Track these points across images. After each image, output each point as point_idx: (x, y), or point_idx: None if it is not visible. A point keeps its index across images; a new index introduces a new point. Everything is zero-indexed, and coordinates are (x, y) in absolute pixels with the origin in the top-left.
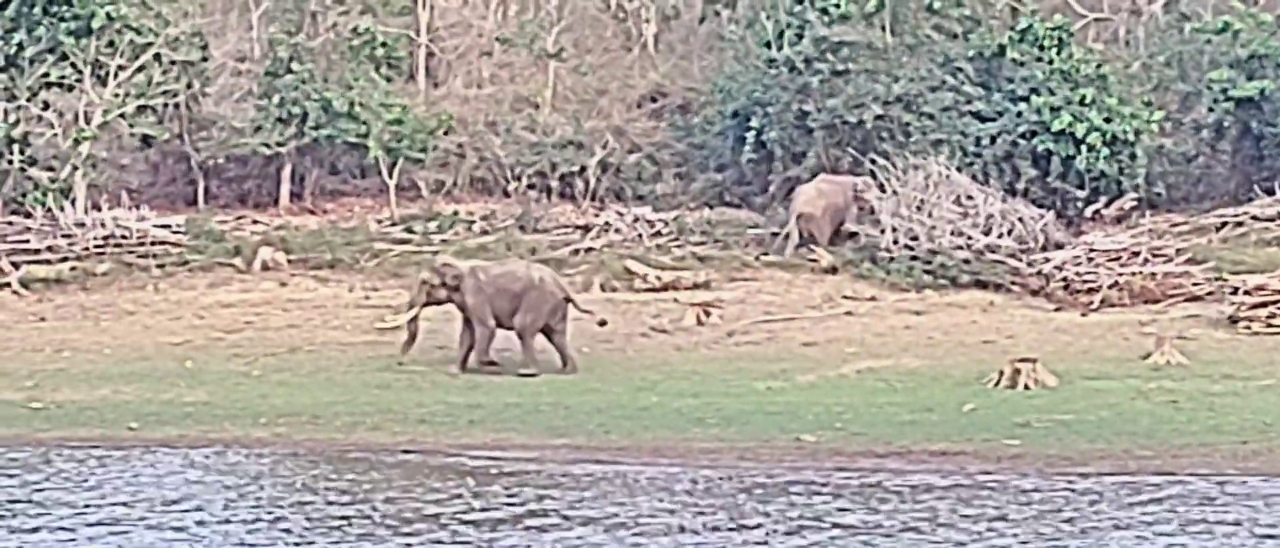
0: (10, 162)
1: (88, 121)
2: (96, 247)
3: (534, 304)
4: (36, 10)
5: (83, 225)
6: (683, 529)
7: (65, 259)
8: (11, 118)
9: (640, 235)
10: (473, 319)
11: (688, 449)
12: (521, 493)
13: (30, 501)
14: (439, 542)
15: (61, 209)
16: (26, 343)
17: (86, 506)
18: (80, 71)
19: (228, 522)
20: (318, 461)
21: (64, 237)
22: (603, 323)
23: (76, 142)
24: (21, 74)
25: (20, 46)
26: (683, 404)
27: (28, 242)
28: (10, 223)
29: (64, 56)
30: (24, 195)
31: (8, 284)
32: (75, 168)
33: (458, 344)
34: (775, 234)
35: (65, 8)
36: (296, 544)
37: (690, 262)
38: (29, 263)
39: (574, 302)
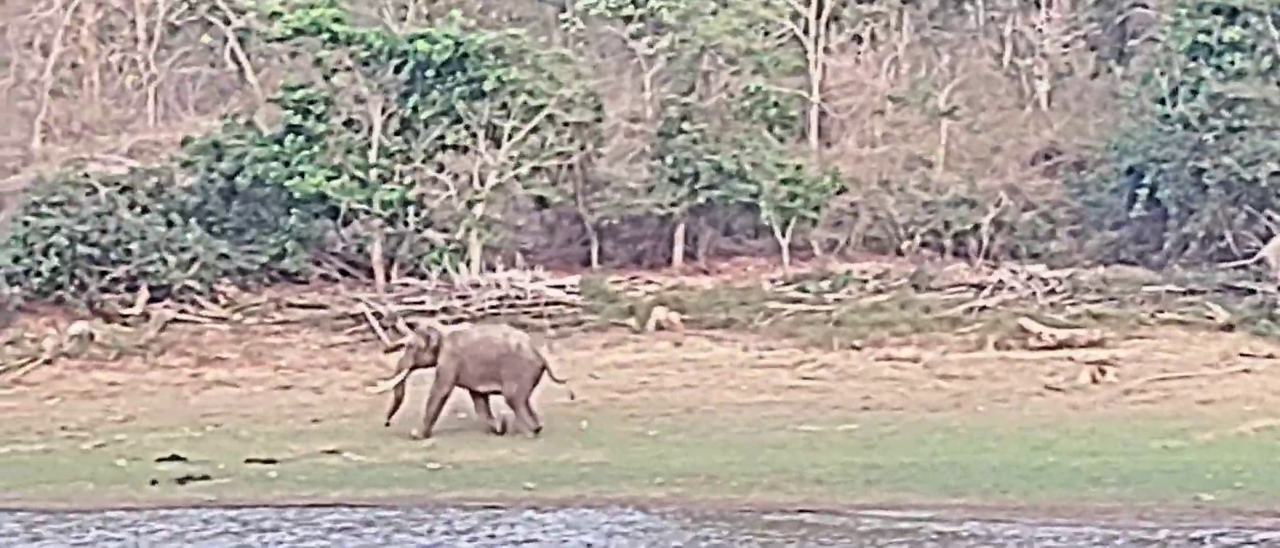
0: (406, 224)
1: (482, 183)
2: (491, 307)
3: (515, 372)
4: (430, 74)
5: (478, 286)
6: None
7: (460, 320)
8: (407, 180)
9: (1034, 293)
10: (434, 380)
11: (1084, 509)
12: None
13: None
14: None
15: (457, 270)
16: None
17: None
18: (474, 134)
19: None
20: (714, 521)
21: (459, 298)
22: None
23: (471, 203)
24: (417, 137)
25: (415, 109)
26: (1079, 463)
27: (423, 302)
28: (406, 284)
29: (458, 119)
30: (420, 257)
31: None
32: (470, 229)
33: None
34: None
35: (459, 72)
36: None
37: (1085, 319)
38: None
39: (550, 371)
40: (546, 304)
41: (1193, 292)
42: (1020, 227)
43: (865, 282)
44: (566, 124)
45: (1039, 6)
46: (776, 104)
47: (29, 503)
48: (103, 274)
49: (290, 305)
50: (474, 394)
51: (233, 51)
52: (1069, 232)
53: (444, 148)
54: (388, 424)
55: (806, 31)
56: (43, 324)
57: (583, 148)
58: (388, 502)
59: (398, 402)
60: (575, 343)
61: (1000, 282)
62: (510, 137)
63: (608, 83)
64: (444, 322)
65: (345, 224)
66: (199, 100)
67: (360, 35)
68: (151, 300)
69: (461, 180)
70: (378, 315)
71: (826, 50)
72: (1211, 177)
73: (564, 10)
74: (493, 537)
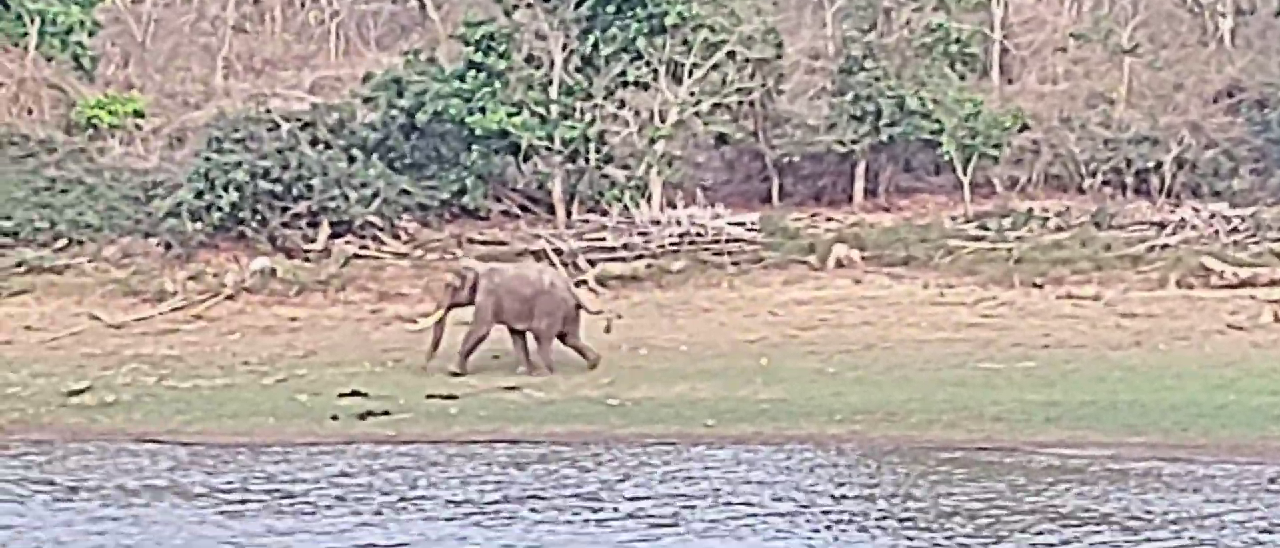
0: (587, 160)
1: (663, 120)
2: (671, 244)
3: (547, 310)
4: (611, 10)
5: (658, 223)
6: (1266, 529)
7: (641, 257)
8: (588, 117)
9: (1216, 231)
10: (474, 318)
11: (1265, 448)
12: (1094, 490)
13: (600, 494)
14: (1001, 538)
15: (637, 207)
16: (604, 340)
17: (650, 499)
18: (655, 70)
19: (792, 518)
20: (891, 457)
21: (640, 234)
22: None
23: (652, 140)
24: (597, 74)
25: (596, 46)
26: (1260, 401)
27: (604, 239)
28: (587, 221)
29: (639, 56)
30: (601, 194)
31: (585, 281)
32: (650, 166)
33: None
34: None
35: (639, 8)
36: (870, 542)
37: (1267, 258)
38: (605, 260)
39: (584, 306)
40: (727, 241)
41: None
42: (1202, 164)
43: (1046, 219)
44: (747, 60)
45: None
46: (958, 40)
47: (211, 437)
48: (284, 210)
49: (470, 242)
50: (511, 331)
51: None
52: (1251, 169)
53: (625, 84)
54: (425, 367)
55: None
56: (224, 260)
57: (763, 84)
58: (566, 437)
59: (437, 341)
60: (755, 280)
61: (1182, 220)
62: (691, 73)
63: (788, 19)
64: (612, 260)
65: (526, 160)
66: (380, 36)
67: None
68: (332, 236)
69: (642, 117)
70: (558, 252)
71: None
72: None
73: None
74: (669, 472)
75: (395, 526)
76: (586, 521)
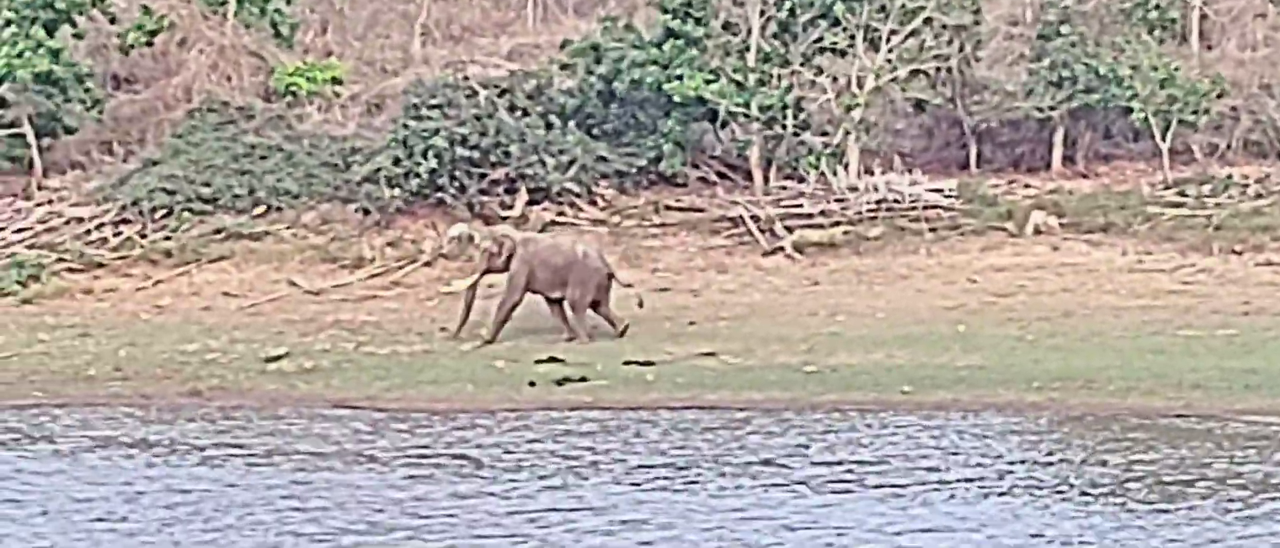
0: (784, 127)
1: (860, 86)
2: (869, 211)
3: (580, 279)
4: None
5: (855, 190)
6: None
7: (838, 223)
8: (785, 83)
9: None
10: (506, 287)
11: None
12: None
13: (787, 459)
14: (1187, 505)
15: (834, 173)
16: (801, 307)
17: (838, 464)
18: (852, 36)
19: (979, 485)
20: (1092, 425)
21: (837, 201)
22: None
23: (849, 107)
24: (795, 40)
25: (793, 12)
26: None
27: (801, 206)
28: (784, 188)
29: (836, 22)
30: (797, 160)
31: (782, 248)
32: (848, 132)
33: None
34: None
35: None
36: (1055, 508)
37: None
38: (802, 227)
39: (616, 277)
40: (924, 208)
41: None
42: None
43: (1246, 186)
44: (945, 26)
45: None
46: (1157, 6)
47: (410, 403)
48: (482, 176)
49: (668, 208)
50: (548, 300)
51: None
52: None
53: (822, 51)
54: (458, 334)
55: None
56: (422, 226)
57: (961, 50)
58: (763, 404)
59: (468, 308)
60: (953, 247)
61: None
62: (888, 39)
63: None
64: (810, 226)
65: (723, 127)
66: (578, 3)
67: None
68: (530, 203)
69: (839, 83)
70: (755, 219)
71: None
72: None
73: None
74: (867, 437)
75: (579, 490)
76: (768, 486)
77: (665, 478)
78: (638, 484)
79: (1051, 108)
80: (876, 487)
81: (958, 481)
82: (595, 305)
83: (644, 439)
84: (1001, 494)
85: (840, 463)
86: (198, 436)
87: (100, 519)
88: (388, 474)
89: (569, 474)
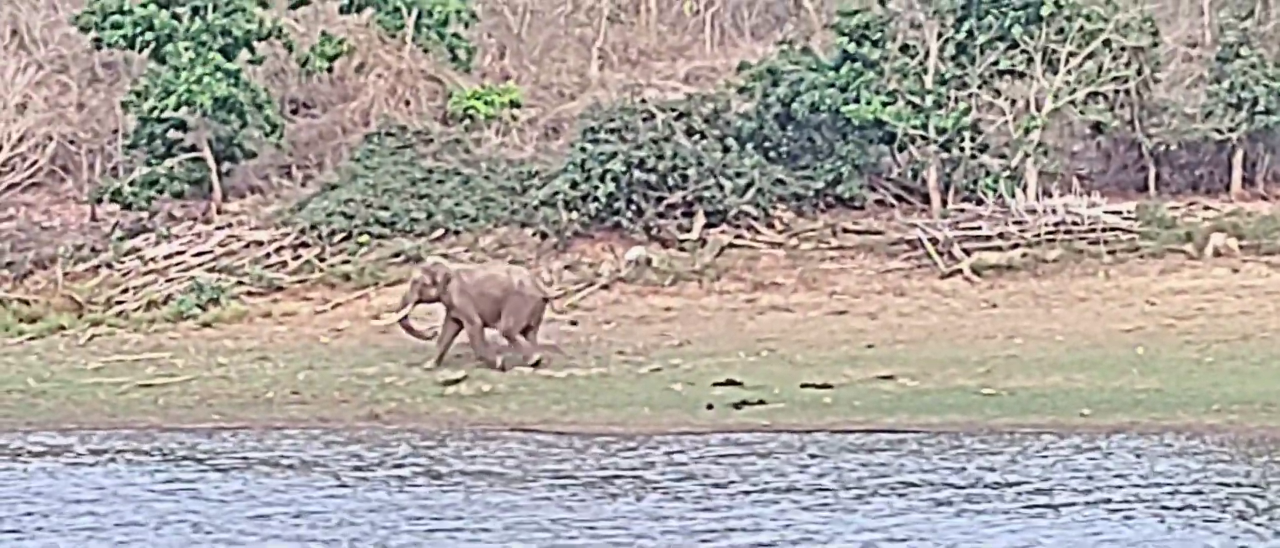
0: (962, 149)
1: (1038, 109)
2: (1047, 233)
3: (515, 308)
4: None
5: (1033, 212)
6: None
7: (1016, 246)
8: (963, 106)
9: None
10: (460, 319)
11: None
12: None
13: (965, 483)
14: None
15: (1012, 196)
16: (979, 330)
17: (1019, 487)
18: (1030, 59)
19: (1158, 507)
20: (1271, 448)
21: (1015, 223)
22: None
23: (1027, 129)
24: (972, 63)
25: (971, 34)
26: None
27: (979, 228)
28: (962, 210)
29: (1014, 44)
30: (975, 183)
31: (959, 270)
32: (1026, 155)
33: (439, 342)
34: None
35: None
36: (1224, 530)
37: None
38: (980, 250)
39: (552, 303)
40: (1103, 230)
41: None
42: None
43: None
44: (1123, 49)
45: None
46: None
47: (585, 427)
48: (659, 200)
49: (845, 231)
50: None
51: None
52: None
53: (1000, 73)
54: (442, 360)
55: None
56: (599, 249)
57: (1139, 73)
58: (940, 427)
59: (411, 332)
60: (1131, 269)
61: None
62: (1066, 62)
63: (1164, 7)
64: (987, 249)
65: (901, 150)
66: (755, 26)
67: None
68: (707, 226)
69: (1017, 106)
70: (933, 241)
71: None
72: None
73: None
74: (1048, 461)
75: (742, 511)
76: (936, 507)
77: (837, 501)
78: (809, 508)
79: (1230, 130)
80: (1067, 511)
81: (1140, 502)
82: (525, 331)
83: (822, 462)
84: (1179, 514)
85: (1018, 485)
86: (373, 458)
87: (275, 536)
88: (559, 495)
89: (739, 495)
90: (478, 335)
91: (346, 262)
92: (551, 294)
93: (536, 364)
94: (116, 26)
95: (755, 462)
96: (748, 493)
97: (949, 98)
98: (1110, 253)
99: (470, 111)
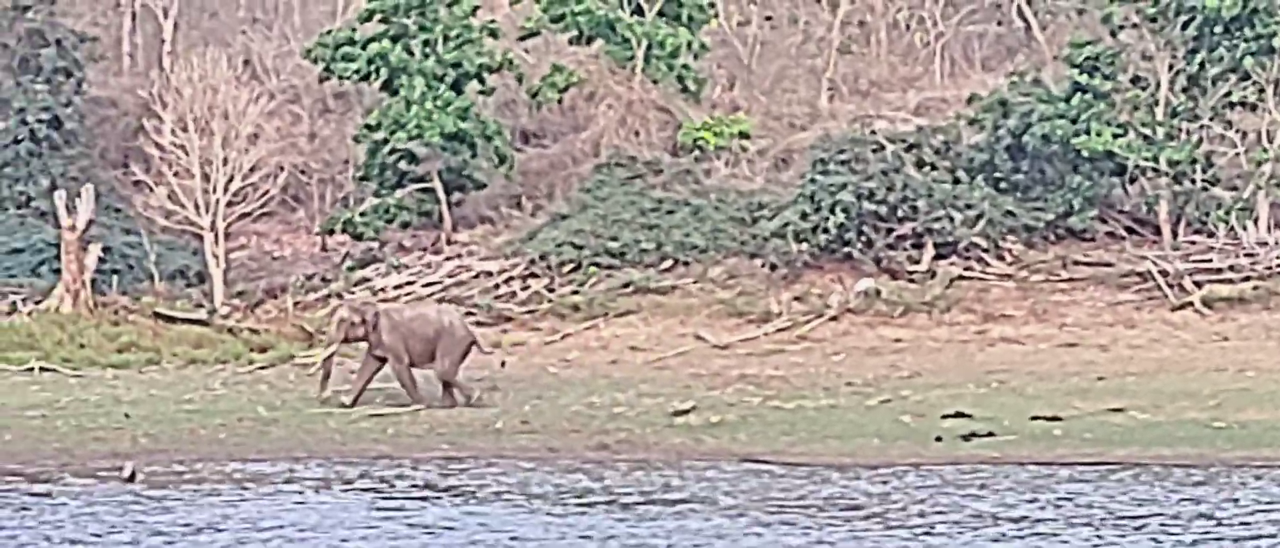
0: (1193, 181)
1: (1270, 141)
2: (1279, 266)
3: (448, 348)
4: (1218, 30)
5: (1265, 244)
6: None
7: (1247, 278)
8: (1194, 138)
9: None
10: (388, 356)
11: None
12: None
13: (1189, 517)
14: None
15: (1244, 228)
16: (1209, 362)
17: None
18: (1262, 90)
19: None
20: None
21: (1246, 256)
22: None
23: (1259, 162)
24: (1204, 94)
25: (1202, 66)
26: None
27: (1210, 260)
28: (1193, 242)
29: (1246, 76)
30: (1207, 215)
31: (1190, 303)
32: (1258, 187)
33: (359, 379)
34: None
35: (1247, 28)
36: None
37: None
38: (1211, 282)
39: (478, 343)
40: None
41: None
42: None
43: None
44: None
45: None
46: None
47: (815, 458)
48: (889, 231)
49: (1076, 263)
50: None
51: (1019, 8)
52: None
53: (1232, 105)
54: (322, 400)
55: None
56: (829, 280)
57: None
58: (1172, 460)
59: (328, 374)
60: None
61: None
62: None
63: None
64: (1219, 281)
65: (1132, 181)
66: (985, 57)
67: None
68: (937, 257)
69: (1249, 138)
70: (1164, 273)
71: None
72: None
73: None
74: (1271, 497)
75: (962, 542)
76: (1160, 542)
77: (1035, 531)
78: (996, 540)
79: None
80: None
81: None
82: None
83: (1074, 491)
84: None
85: (1249, 521)
86: (602, 487)
87: None
88: (784, 524)
89: (944, 526)
90: (405, 373)
91: (576, 292)
92: (478, 336)
93: (471, 401)
94: (349, 59)
95: (982, 493)
96: (967, 523)
97: (1180, 129)
98: None
99: (700, 142)
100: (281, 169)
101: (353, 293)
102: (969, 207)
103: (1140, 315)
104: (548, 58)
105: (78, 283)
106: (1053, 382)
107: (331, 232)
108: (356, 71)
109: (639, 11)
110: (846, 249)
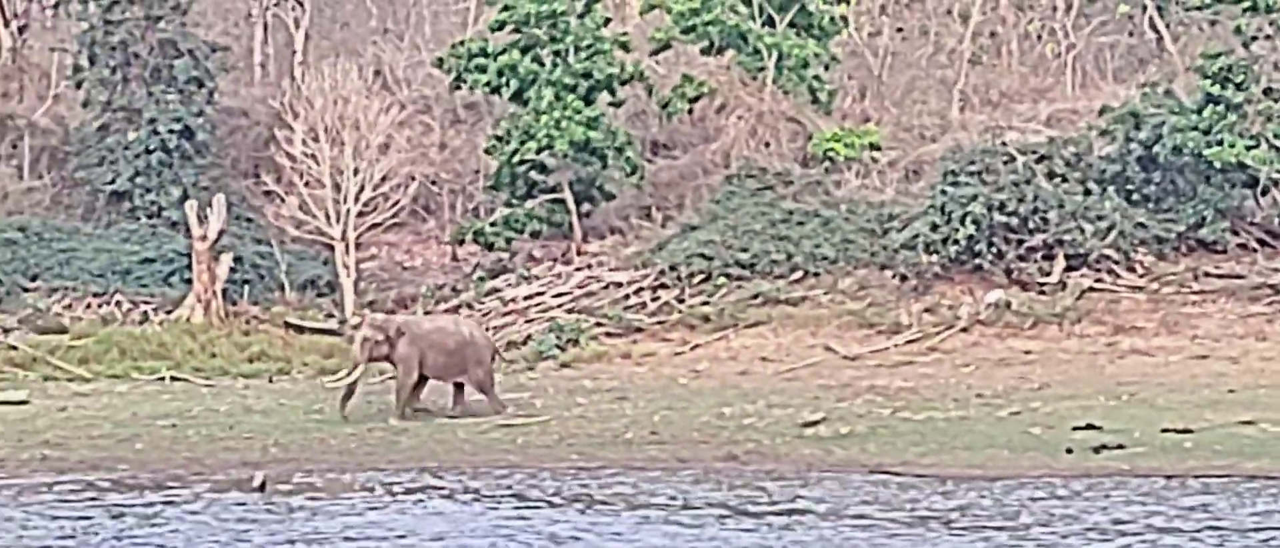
0: None
1: None
2: None
3: (478, 357)
4: None
5: None
6: None
7: None
8: None
9: None
10: (398, 366)
11: None
12: None
13: None
14: None
15: None
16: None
17: None
18: None
19: None
20: None
21: None
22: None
23: None
24: None
25: None
26: None
27: None
28: None
29: None
30: None
31: None
32: None
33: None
34: None
35: None
36: None
37: None
38: None
39: (499, 353)
40: None
41: None
42: None
43: None
44: None
45: None
46: None
47: (944, 469)
48: (1019, 242)
49: (1207, 275)
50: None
51: (1151, 20)
52: None
53: None
54: (345, 417)
55: None
56: (959, 292)
57: None
58: None
59: (351, 392)
60: None
61: None
62: None
63: None
64: None
65: (1264, 193)
66: (1117, 69)
67: None
68: (1068, 269)
69: None
70: None
71: None
72: None
73: None
74: None
75: None
76: None
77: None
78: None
79: None
80: None
81: None
82: (459, 386)
83: (1198, 502)
84: None
85: None
86: (731, 498)
87: None
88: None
89: (1079, 538)
90: (406, 389)
91: (706, 303)
92: (498, 345)
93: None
94: (480, 70)
95: (1109, 504)
96: (1095, 535)
97: None
98: None
99: (830, 153)
100: (412, 179)
101: (483, 303)
102: (1100, 218)
103: (1272, 327)
104: (678, 69)
105: (209, 293)
106: (1183, 394)
107: (462, 242)
108: (487, 82)
109: (770, 23)
110: (977, 261)
